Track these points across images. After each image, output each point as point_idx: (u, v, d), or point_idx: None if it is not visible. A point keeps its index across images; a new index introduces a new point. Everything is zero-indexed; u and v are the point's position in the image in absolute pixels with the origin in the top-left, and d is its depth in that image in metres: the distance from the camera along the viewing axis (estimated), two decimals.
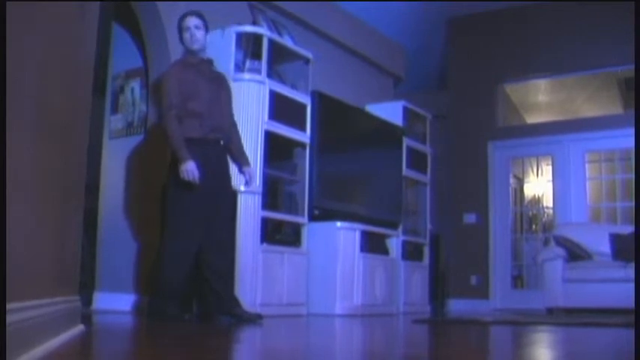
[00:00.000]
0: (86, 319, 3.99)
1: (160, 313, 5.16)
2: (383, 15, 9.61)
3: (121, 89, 7.11)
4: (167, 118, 5.10)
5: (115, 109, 7.12)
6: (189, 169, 4.99)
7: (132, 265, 6.58)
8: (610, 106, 11.93)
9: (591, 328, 4.83)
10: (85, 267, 6.26)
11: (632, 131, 9.67)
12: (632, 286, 8.06)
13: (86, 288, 6.60)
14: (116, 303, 6.49)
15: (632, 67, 9.96)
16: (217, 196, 5.26)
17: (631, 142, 9.69)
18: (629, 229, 8.97)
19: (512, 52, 10.51)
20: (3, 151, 1.70)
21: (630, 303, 7.92)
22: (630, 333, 4.35)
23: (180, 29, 5.38)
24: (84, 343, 2.95)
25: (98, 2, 3.61)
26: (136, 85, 7.01)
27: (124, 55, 7.16)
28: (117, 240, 6.80)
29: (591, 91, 11.91)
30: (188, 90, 5.21)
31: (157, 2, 6.51)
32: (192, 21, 5.37)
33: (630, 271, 8.16)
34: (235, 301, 5.25)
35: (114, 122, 7.10)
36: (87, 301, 6.55)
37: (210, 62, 5.52)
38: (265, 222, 6.52)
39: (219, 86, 5.49)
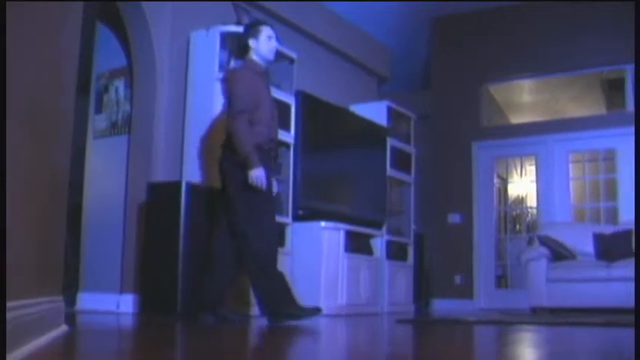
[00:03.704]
0: (70, 319, 3.98)
1: (292, 314, 5.02)
2: (367, 15, 9.63)
3: (105, 89, 7.09)
4: (239, 122, 5.00)
5: (99, 109, 7.10)
6: (260, 175, 4.96)
7: (116, 264, 6.56)
8: (593, 106, 11.99)
9: (575, 328, 4.85)
10: (68, 267, 6.24)
11: (614, 131, 9.74)
12: (615, 285, 8.10)
13: (70, 288, 6.58)
14: (101, 303, 6.47)
15: (615, 67, 10.03)
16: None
17: (614, 143, 9.76)
18: (612, 228, 9.02)
19: (496, 53, 10.54)
20: (3, 151, 1.69)
21: (613, 302, 7.98)
22: (614, 331, 4.37)
23: (256, 35, 5.29)
24: (67, 343, 2.94)
25: (82, 2, 3.60)
26: (120, 84, 6.99)
27: (108, 55, 7.14)
28: (101, 240, 6.79)
29: (575, 92, 11.96)
30: (257, 98, 5.15)
31: (142, 2, 6.50)
32: (272, 31, 5.35)
33: (613, 271, 8.20)
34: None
35: (98, 122, 7.08)
36: (71, 301, 6.53)
37: (269, 73, 5.47)
38: None
39: (273, 99, 5.48)
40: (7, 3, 1.93)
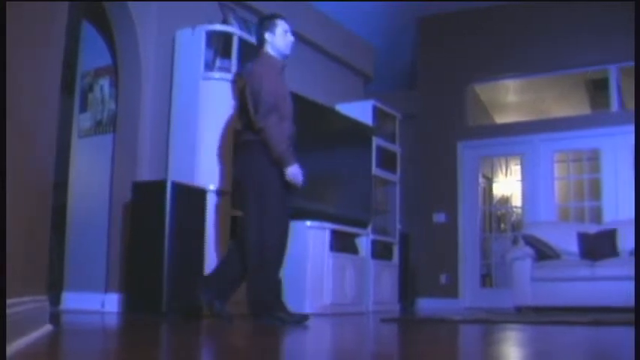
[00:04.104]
0: (54, 318, 3.97)
1: (273, 315, 4.98)
2: (353, 14, 9.64)
3: (90, 87, 7.07)
4: (271, 120, 4.98)
5: (83, 108, 7.08)
6: (297, 172, 5.03)
7: (101, 264, 6.55)
8: (578, 106, 12.03)
9: (559, 327, 4.87)
10: (53, 266, 6.22)
11: (599, 131, 9.78)
12: (599, 284, 8.14)
13: (54, 287, 6.56)
14: (85, 302, 6.46)
15: (600, 67, 10.07)
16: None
17: (598, 143, 9.80)
18: (596, 228, 9.06)
19: (481, 52, 10.56)
20: (3, 151, 1.68)
21: (597, 301, 8.01)
22: (598, 330, 4.39)
23: (272, 29, 5.25)
24: (51, 343, 2.93)
25: (67, 1, 3.59)
26: (105, 83, 6.97)
27: (93, 53, 7.12)
28: (86, 239, 6.77)
29: (560, 92, 12.01)
30: (283, 93, 5.15)
31: (128, 2, 6.49)
32: (288, 25, 5.31)
33: (597, 270, 8.23)
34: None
35: (83, 121, 7.06)
36: (55, 300, 6.51)
37: (285, 67, 5.41)
38: (234, 221, 6.51)
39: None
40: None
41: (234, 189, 5.28)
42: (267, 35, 5.23)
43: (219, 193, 6.39)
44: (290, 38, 5.31)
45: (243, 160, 5.14)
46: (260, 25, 5.34)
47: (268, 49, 5.25)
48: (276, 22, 5.27)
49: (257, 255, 5.03)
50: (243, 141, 5.17)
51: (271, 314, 4.98)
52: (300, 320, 5.00)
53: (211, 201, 6.31)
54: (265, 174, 5.04)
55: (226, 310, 5.12)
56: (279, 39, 5.25)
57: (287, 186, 5.04)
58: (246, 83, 5.16)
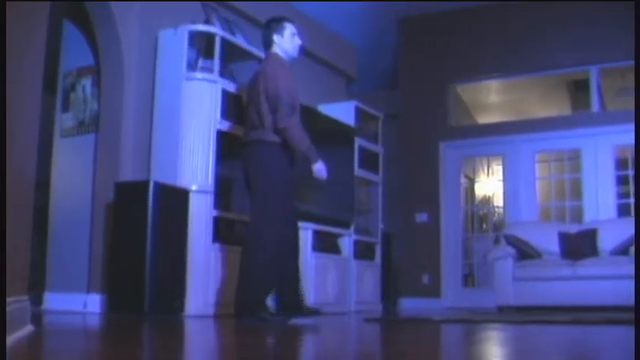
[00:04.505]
0: (36, 319, 3.95)
1: (258, 316, 5.05)
2: (336, 15, 9.64)
3: (72, 87, 7.04)
4: (292, 118, 5.14)
5: (65, 107, 7.05)
6: (322, 167, 5.24)
7: (84, 264, 6.53)
8: (559, 107, 12.09)
9: (541, 326, 4.90)
10: (35, 266, 6.20)
11: (580, 132, 9.83)
12: (580, 283, 8.19)
13: (36, 287, 6.54)
14: (67, 303, 6.43)
15: (581, 68, 10.12)
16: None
17: (579, 143, 9.85)
18: (577, 227, 9.11)
19: (463, 53, 10.59)
20: (3, 151, 1.68)
21: (578, 300, 8.06)
22: (579, 329, 4.41)
23: (281, 31, 5.40)
24: (33, 343, 2.92)
25: (49, 1, 3.58)
26: (87, 83, 6.95)
27: (75, 53, 7.09)
28: (68, 239, 6.75)
29: (541, 93, 12.06)
30: (295, 91, 5.29)
31: (111, 2, 6.47)
32: (295, 28, 5.46)
33: (578, 269, 8.28)
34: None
35: (65, 120, 7.03)
36: (37, 300, 6.49)
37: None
38: (217, 221, 6.51)
39: None
40: None
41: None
42: (275, 37, 5.37)
43: (201, 193, 6.38)
44: (298, 41, 5.46)
45: (250, 160, 5.22)
46: (268, 27, 5.46)
47: (277, 50, 5.38)
48: (284, 25, 5.42)
49: (251, 254, 5.07)
50: (249, 141, 5.25)
51: (254, 314, 4.99)
52: (283, 322, 5.03)
53: (194, 201, 6.30)
54: (272, 174, 5.14)
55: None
56: (287, 41, 5.39)
57: (288, 192, 5.16)
58: (258, 84, 5.24)
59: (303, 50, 9.08)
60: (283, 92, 5.13)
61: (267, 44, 5.42)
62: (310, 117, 8.12)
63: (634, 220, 8.57)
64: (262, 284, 5.13)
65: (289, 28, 5.41)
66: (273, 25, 5.44)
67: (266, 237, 5.11)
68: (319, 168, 5.21)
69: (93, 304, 6.30)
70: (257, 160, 5.17)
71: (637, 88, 7.47)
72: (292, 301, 5.29)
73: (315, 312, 5.34)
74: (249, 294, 5.07)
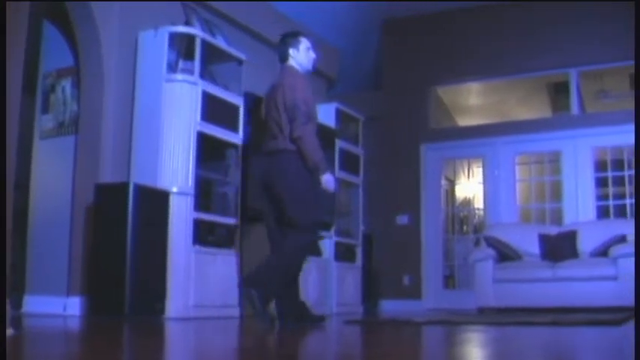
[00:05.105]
0: (16, 322, 3.93)
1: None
2: (316, 16, 9.63)
3: (52, 88, 7.01)
4: (309, 128, 5.28)
5: (45, 109, 7.02)
6: (331, 179, 5.33)
7: (63, 267, 6.49)
8: (539, 109, 12.14)
9: (521, 327, 4.91)
10: (15, 269, 6.16)
11: (560, 134, 9.88)
12: (560, 285, 8.23)
13: (16, 290, 6.50)
14: (47, 306, 6.39)
15: (561, 70, 10.17)
16: None
17: (559, 145, 9.90)
18: (557, 229, 9.16)
19: (444, 55, 10.62)
20: (3, 151, 1.67)
21: (558, 302, 8.10)
22: (558, 330, 4.43)
23: (297, 45, 5.56)
24: (12, 347, 2.91)
25: (29, 1, 3.57)
26: (67, 84, 6.92)
27: (55, 54, 7.06)
28: (48, 242, 6.71)
29: (521, 95, 12.11)
30: (313, 102, 5.46)
31: (90, 2, 6.44)
32: (309, 42, 5.64)
33: (558, 271, 8.32)
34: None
35: (44, 122, 7.00)
36: (16, 303, 6.45)
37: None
38: (198, 223, 6.50)
39: None
40: None
41: (265, 192, 5.48)
42: (291, 51, 5.56)
43: (181, 195, 6.36)
44: (312, 55, 5.64)
45: (273, 169, 5.38)
46: (284, 41, 5.63)
47: (292, 63, 5.56)
48: (300, 39, 5.60)
49: (289, 258, 5.35)
50: (271, 150, 5.41)
51: (259, 303, 5.11)
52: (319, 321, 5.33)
53: (174, 203, 6.29)
54: (296, 181, 5.30)
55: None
56: (302, 55, 5.58)
57: (317, 193, 5.34)
58: (276, 96, 5.41)
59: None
60: (300, 102, 5.29)
61: (284, 58, 5.60)
62: None
63: (634, 221, 8.60)
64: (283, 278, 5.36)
65: (304, 43, 5.60)
66: (289, 39, 5.62)
67: (303, 242, 5.34)
68: (328, 179, 5.32)
69: (73, 306, 6.26)
70: (280, 169, 5.34)
71: (637, 88, 7.50)
72: (295, 308, 5.44)
73: (321, 319, 5.46)
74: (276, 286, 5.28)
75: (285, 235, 5.34)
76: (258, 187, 5.62)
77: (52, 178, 6.90)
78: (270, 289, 5.17)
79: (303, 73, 5.59)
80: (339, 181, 8.74)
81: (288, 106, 5.29)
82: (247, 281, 5.20)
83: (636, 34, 6.79)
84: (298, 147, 5.25)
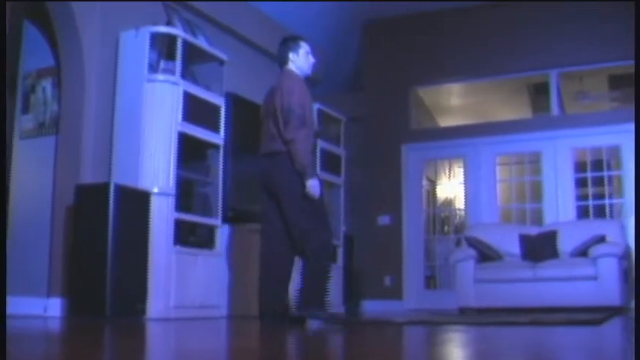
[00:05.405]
0: None
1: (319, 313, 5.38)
2: (299, 17, 9.64)
3: (32, 88, 6.98)
4: (301, 132, 5.31)
5: (25, 109, 6.99)
6: (315, 184, 5.33)
7: (44, 268, 6.46)
8: (520, 110, 12.20)
9: (501, 327, 4.93)
10: None
11: (540, 135, 9.93)
12: (540, 285, 8.27)
13: None
14: (27, 307, 6.37)
15: (541, 72, 10.22)
16: None
17: (539, 146, 9.95)
18: (537, 229, 9.20)
19: (426, 56, 10.65)
20: (3, 151, 1.67)
21: (539, 302, 8.14)
22: (538, 330, 4.45)
23: (296, 50, 5.62)
24: None
25: (9, 1, 3.55)
26: (47, 84, 6.89)
27: (35, 54, 7.03)
28: (28, 242, 6.68)
29: (502, 96, 12.16)
30: (309, 106, 5.50)
31: (71, 2, 6.41)
32: (309, 47, 5.71)
33: (538, 271, 8.36)
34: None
35: (25, 122, 6.97)
36: None
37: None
38: (179, 224, 6.49)
39: None
40: None
41: (266, 194, 5.52)
42: (291, 55, 5.61)
43: (162, 195, 6.35)
44: (311, 59, 5.71)
45: (272, 171, 5.44)
46: (284, 45, 5.68)
47: (292, 67, 5.61)
48: (299, 44, 5.67)
49: (309, 262, 5.49)
50: (269, 152, 5.46)
51: (323, 311, 5.36)
52: (342, 319, 5.44)
53: (155, 203, 6.27)
54: (297, 181, 5.34)
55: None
56: (302, 59, 5.64)
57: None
58: (274, 99, 5.47)
59: (262, 51, 9.13)
60: (296, 105, 5.33)
61: (283, 61, 5.64)
62: None
63: (634, 220, 8.65)
64: (324, 286, 5.54)
65: (304, 47, 5.66)
66: (289, 43, 5.68)
67: (314, 242, 5.42)
68: (313, 184, 5.33)
69: (53, 308, 6.24)
70: (279, 170, 5.40)
71: (637, 88, 7.52)
72: (280, 307, 5.50)
73: (301, 320, 5.49)
74: (315, 295, 5.42)
75: (289, 237, 5.48)
76: (258, 187, 5.67)
77: (32, 178, 6.87)
78: (317, 302, 5.40)
79: (302, 77, 5.63)
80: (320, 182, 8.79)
81: (284, 109, 5.35)
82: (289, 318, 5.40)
83: (636, 34, 6.81)
84: (288, 149, 5.31)
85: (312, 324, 5.21)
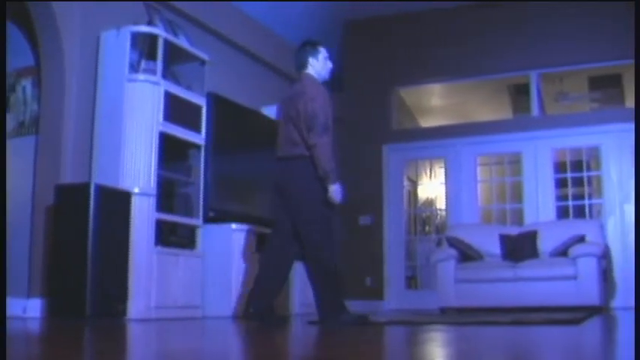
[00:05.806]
0: None
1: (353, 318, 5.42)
2: (280, 17, 9.63)
3: (12, 88, 6.94)
4: (324, 138, 5.35)
5: (5, 109, 6.94)
6: (339, 189, 5.43)
7: (23, 268, 6.42)
8: (501, 110, 12.25)
9: (482, 327, 4.95)
10: None
11: (520, 135, 9.98)
12: (521, 285, 8.31)
13: None
14: (7, 308, 6.32)
15: (521, 72, 10.27)
16: None
17: (519, 146, 10.00)
18: (517, 229, 9.24)
19: (407, 57, 10.67)
20: (3, 152, 1.66)
21: (519, 302, 8.17)
22: (519, 330, 4.47)
23: (316, 55, 5.74)
24: None
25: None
26: (27, 84, 6.86)
27: (15, 54, 6.98)
28: (8, 243, 6.63)
29: (483, 96, 12.21)
30: (329, 113, 5.51)
31: (52, 2, 6.38)
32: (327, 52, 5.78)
33: (519, 271, 8.40)
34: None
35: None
36: None
37: None
38: (160, 224, 6.47)
39: None
40: None
41: (279, 197, 5.55)
42: (310, 59, 5.72)
43: (143, 195, 6.33)
44: (329, 64, 5.82)
45: (290, 174, 5.50)
46: (303, 50, 5.79)
47: (311, 71, 5.71)
48: (319, 49, 5.78)
49: (318, 265, 5.48)
50: (288, 156, 5.51)
51: (337, 319, 5.36)
52: (361, 321, 5.40)
53: (136, 204, 6.26)
54: (313, 186, 5.41)
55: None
56: (321, 64, 5.75)
57: (325, 200, 5.44)
58: (297, 104, 5.51)
59: (244, 51, 9.12)
60: (320, 112, 5.39)
61: (302, 65, 5.74)
62: (253, 119, 8.12)
63: (634, 221, 8.70)
64: (338, 288, 5.57)
65: (323, 52, 5.77)
66: (308, 47, 5.78)
67: (325, 249, 5.45)
68: (336, 189, 5.41)
69: (33, 308, 6.20)
70: (300, 175, 5.44)
71: (637, 87, 7.56)
72: (266, 308, 5.52)
73: (283, 320, 5.55)
74: (332, 300, 5.47)
75: (296, 240, 5.51)
76: (272, 190, 5.71)
77: (11, 178, 6.83)
78: (338, 307, 5.47)
79: (321, 81, 5.69)
80: None
81: (309, 115, 5.39)
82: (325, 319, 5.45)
83: (636, 34, 6.85)
84: (312, 154, 5.35)
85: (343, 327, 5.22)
